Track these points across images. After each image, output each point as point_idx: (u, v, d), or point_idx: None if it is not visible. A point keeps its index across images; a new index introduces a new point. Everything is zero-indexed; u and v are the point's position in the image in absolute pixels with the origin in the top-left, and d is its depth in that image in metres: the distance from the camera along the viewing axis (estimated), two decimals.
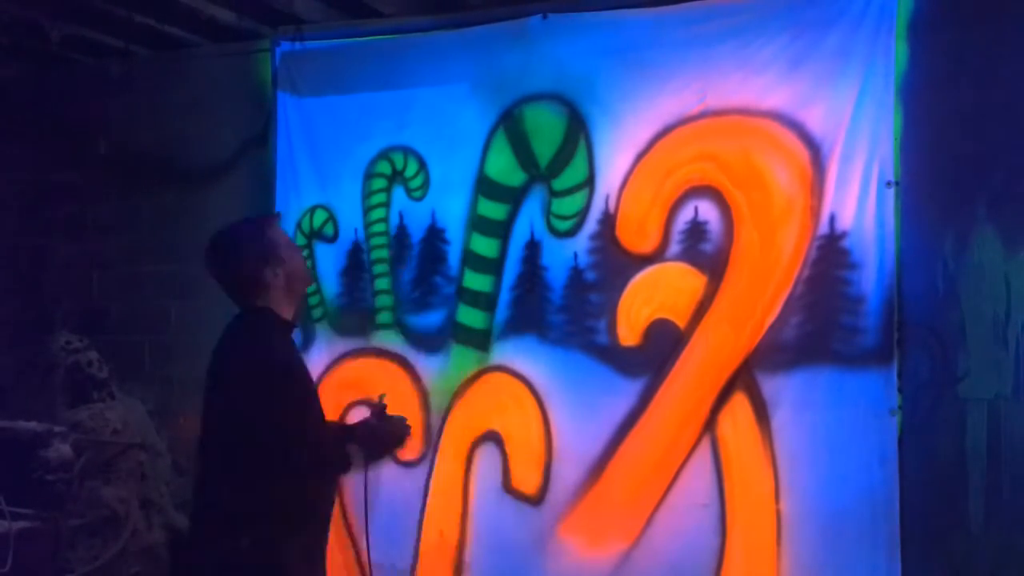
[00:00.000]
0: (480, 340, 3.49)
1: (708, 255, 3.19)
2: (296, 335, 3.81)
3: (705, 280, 3.19)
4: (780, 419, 3.09)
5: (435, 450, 3.54)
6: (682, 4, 3.24)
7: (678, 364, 3.20)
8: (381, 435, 2.83)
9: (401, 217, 3.65)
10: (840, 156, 3.04)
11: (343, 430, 2.89)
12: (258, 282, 2.46)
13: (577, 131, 3.37)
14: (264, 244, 2.51)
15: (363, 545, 3.67)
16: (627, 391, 3.25)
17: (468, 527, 3.48)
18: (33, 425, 3.73)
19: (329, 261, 3.76)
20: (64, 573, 3.68)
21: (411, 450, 3.61)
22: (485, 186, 3.51)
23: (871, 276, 3.00)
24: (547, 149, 3.42)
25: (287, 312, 2.63)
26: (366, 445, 2.86)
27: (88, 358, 4.08)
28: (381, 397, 3.05)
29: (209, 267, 2.62)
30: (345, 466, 2.63)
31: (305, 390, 2.53)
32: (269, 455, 2.37)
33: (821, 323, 3.04)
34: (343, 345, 3.74)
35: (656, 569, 3.22)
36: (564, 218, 3.39)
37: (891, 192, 3.00)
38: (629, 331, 3.28)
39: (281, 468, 2.39)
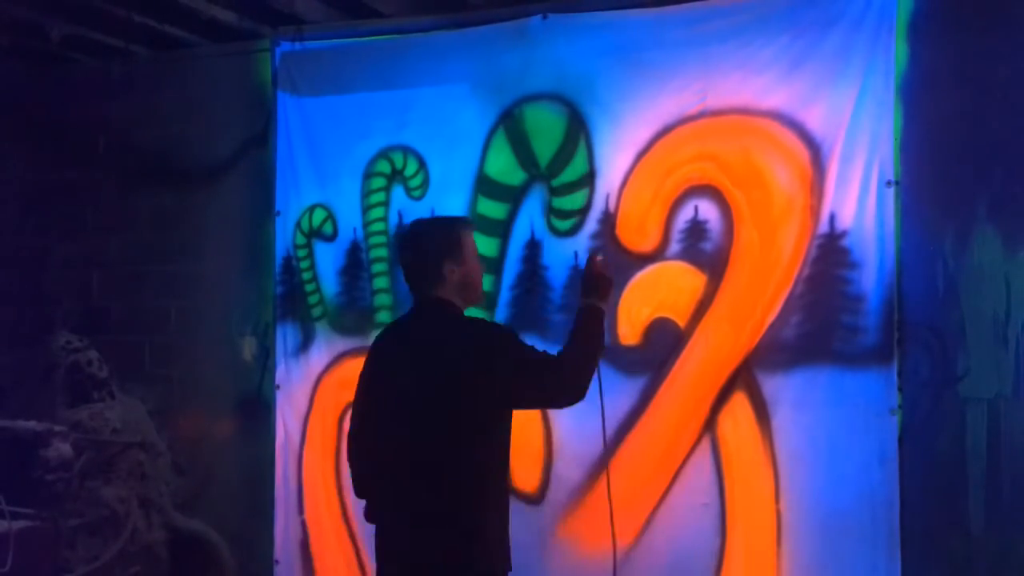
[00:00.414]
0: None
1: (708, 254, 3.19)
2: (295, 334, 3.82)
3: (705, 279, 3.19)
4: (780, 419, 3.09)
5: None
6: (682, 4, 3.25)
7: (678, 363, 3.20)
8: (604, 286, 2.63)
9: (400, 216, 3.66)
10: (840, 156, 3.04)
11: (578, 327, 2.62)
12: (436, 273, 2.46)
13: (577, 131, 3.38)
14: (451, 240, 2.52)
15: (363, 545, 3.69)
16: (627, 390, 3.25)
17: None
18: (33, 425, 3.72)
19: (328, 260, 3.76)
20: (64, 573, 3.68)
21: None
22: (485, 185, 3.51)
23: (871, 275, 3.00)
24: (547, 149, 3.42)
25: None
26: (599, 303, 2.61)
27: (88, 358, 4.08)
28: (595, 252, 2.80)
29: (400, 250, 2.65)
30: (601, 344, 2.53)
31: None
32: (539, 390, 2.40)
33: (821, 322, 3.05)
34: (342, 344, 3.74)
35: (656, 569, 3.22)
36: (564, 217, 3.39)
37: (891, 192, 3.00)
38: (629, 330, 3.28)
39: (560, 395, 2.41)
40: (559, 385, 2.39)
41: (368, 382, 2.55)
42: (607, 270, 2.62)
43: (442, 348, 2.39)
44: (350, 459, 2.59)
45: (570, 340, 2.46)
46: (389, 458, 2.40)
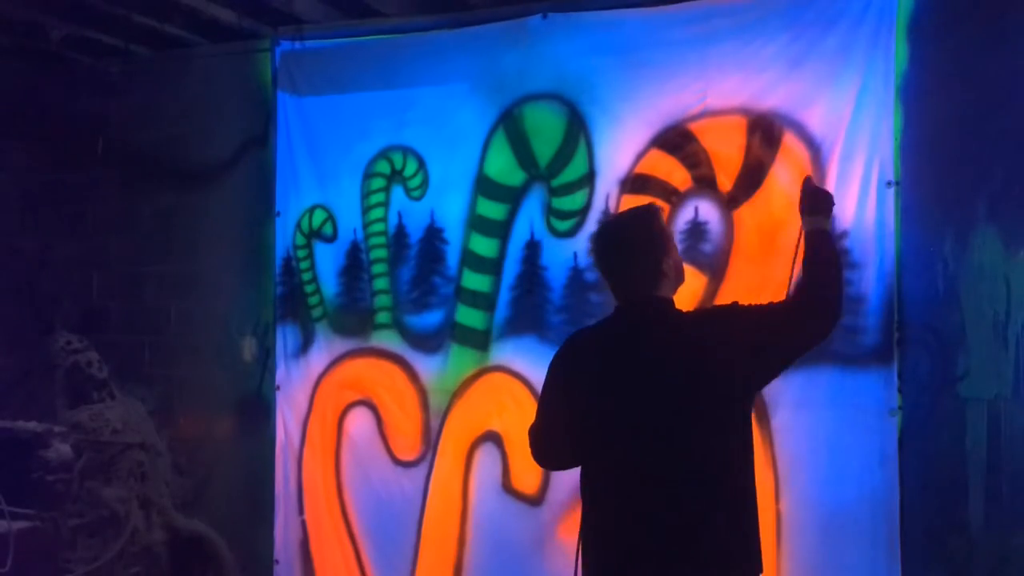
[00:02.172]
0: (479, 340, 3.49)
1: (708, 255, 3.19)
2: (295, 335, 3.82)
3: (705, 280, 3.18)
4: (780, 419, 3.09)
5: (435, 450, 3.55)
6: (682, 4, 3.24)
7: None
8: (826, 201, 2.59)
9: (400, 217, 3.65)
10: (840, 156, 3.04)
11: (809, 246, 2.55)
12: (656, 273, 2.37)
13: (577, 131, 3.37)
14: (660, 234, 2.44)
15: (362, 545, 3.69)
16: None
17: (468, 527, 3.48)
18: (33, 425, 3.73)
19: (328, 261, 3.76)
20: (64, 573, 3.68)
21: (410, 450, 3.61)
22: (484, 186, 3.51)
23: (871, 276, 3.00)
24: (547, 149, 3.42)
25: None
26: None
27: (88, 358, 4.08)
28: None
29: (605, 257, 2.47)
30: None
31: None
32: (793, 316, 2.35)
33: None
34: (342, 345, 3.74)
35: None
36: (564, 218, 3.38)
37: (891, 192, 2.99)
38: None
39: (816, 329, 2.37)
40: (814, 317, 2.35)
41: (593, 386, 2.38)
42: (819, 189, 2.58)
43: (699, 345, 2.30)
44: (564, 463, 2.50)
45: (808, 269, 2.41)
46: (655, 467, 2.29)
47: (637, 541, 2.31)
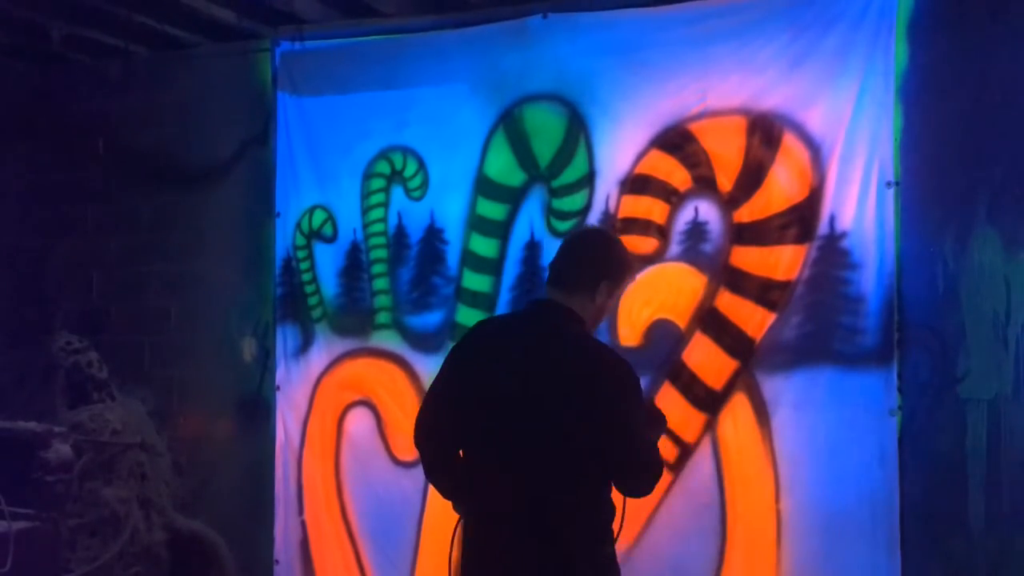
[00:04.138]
0: None
1: (708, 255, 3.19)
2: (295, 336, 3.82)
3: (705, 280, 3.19)
4: (780, 419, 3.09)
5: None
6: (682, 4, 3.25)
7: (678, 364, 3.20)
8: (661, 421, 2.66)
9: (400, 217, 3.65)
10: (840, 156, 3.04)
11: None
12: (591, 284, 2.37)
13: (577, 131, 3.37)
14: (622, 268, 2.46)
15: (362, 545, 3.69)
16: None
17: None
18: (33, 425, 3.72)
19: (328, 261, 3.76)
20: (64, 573, 3.67)
21: (410, 450, 3.61)
22: (484, 186, 3.51)
23: (871, 276, 3.00)
24: (547, 149, 3.42)
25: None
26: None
27: (88, 358, 4.07)
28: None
29: (571, 242, 2.52)
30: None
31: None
32: (635, 458, 2.34)
33: (821, 323, 3.05)
34: (342, 345, 3.74)
35: (656, 569, 3.22)
36: (564, 218, 3.38)
37: (891, 192, 3.00)
38: (630, 331, 3.28)
39: (647, 473, 2.37)
40: (645, 476, 2.37)
41: (474, 368, 2.41)
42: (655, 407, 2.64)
43: (583, 368, 2.29)
44: (428, 436, 2.46)
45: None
46: (504, 454, 2.30)
47: (486, 540, 2.34)
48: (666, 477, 3.20)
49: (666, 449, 3.18)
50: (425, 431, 2.48)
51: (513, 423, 2.29)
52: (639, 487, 2.40)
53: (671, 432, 3.18)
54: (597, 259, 2.43)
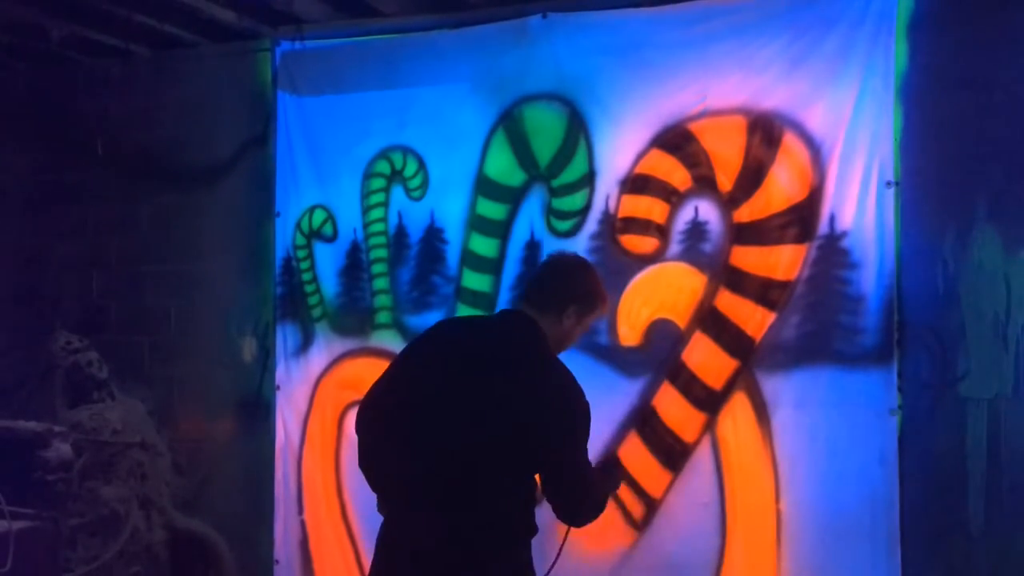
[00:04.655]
0: None
1: (708, 255, 3.19)
2: (295, 335, 3.82)
3: (705, 280, 3.19)
4: (780, 419, 3.09)
5: None
6: (682, 4, 3.24)
7: (678, 364, 3.20)
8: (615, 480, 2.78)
9: (400, 217, 3.66)
10: (840, 156, 3.04)
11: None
12: (558, 307, 2.41)
13: (577, 131, 3.37)
14: (593, 298, 2.49)
15: (362, 545, 3.69)
16: (627, 391, 3.25)
17: None
18: (33, 425, 3.72)
19: (328, 261, 3.76)
20: (64, 573, 3.68)
21: None
22: (484, 186, 3.51)
23: (871, 276, 3.00)
24: (547, 149, 3.42)
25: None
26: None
27: (88, 358, 4.08)
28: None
29: (550, 263, 2.56)
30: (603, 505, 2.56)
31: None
32: (565, 475, 2.35)
33: (821, 323, 3.05)
34: (342, 345, 3.75)
35: (656, 568, 3.22)
36: (564, 218, 3.38)
37: (891, 192, 3.00)
38: (630, 331, 3.28)
39: (580, 494, 2.41)
40: (579, 505, 2.41)
41: (420, 366, 2.40)
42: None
43: (530, 383, 2.30)
44: (366, 426, 2.42)
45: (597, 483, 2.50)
46: (428, 453, 2.28)
47: (394, 529, 2.35)
48: (666, 477, 3.21)
49: (665, 449, 3.20)
50: (364, 422, 2.45)
51: (441, 424, 2.28)
52: (570, 515, 2.41)
53: (671, 432, 3.18)
54: (571, 283, 2.46)
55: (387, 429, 2.37)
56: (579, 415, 2.34)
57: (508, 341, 2.38)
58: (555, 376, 2.35)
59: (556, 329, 2.42)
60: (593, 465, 2.51)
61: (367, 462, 2.43)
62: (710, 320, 3.16)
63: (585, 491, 2.41)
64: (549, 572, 2.57)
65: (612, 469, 2.79)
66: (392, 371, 2.45)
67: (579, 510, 2.42)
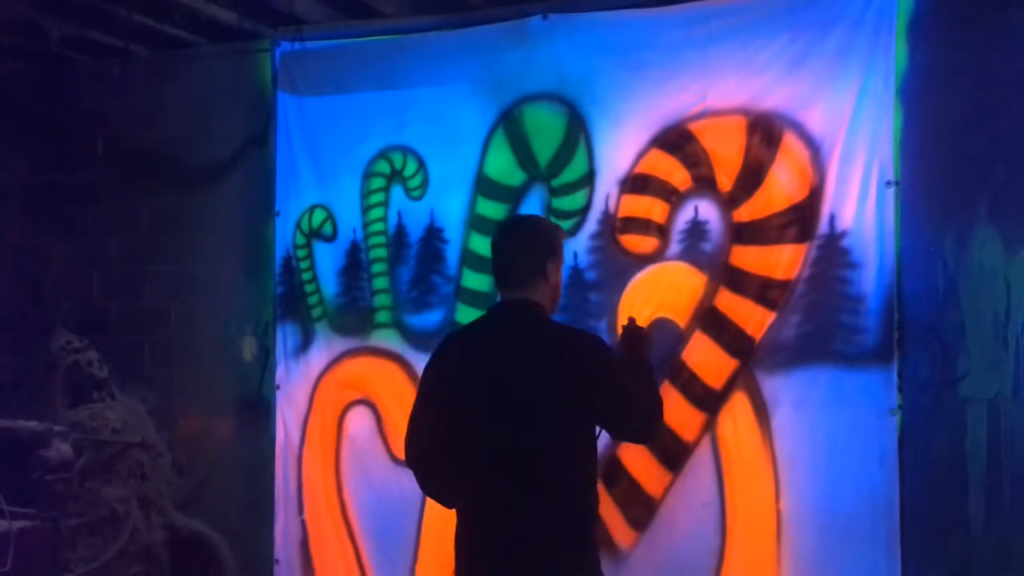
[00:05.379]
0: None
1: (708, 255, 3.19)
2: (295, 335, 3.82)
3: (705, 280, 3.19)
4: (780, 419, 3.09)
5: None
6: (682, 4, 3.24)
7: (678, 363, 3.20)
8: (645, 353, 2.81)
9: (400, 216, 3.66)
10: (840, 156, 3.04)
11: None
12: (539, 271, 2.46)
13: (577, 131, 3.37)
14: (555, 240, 2.56)
15: (362, 545, 3.69)
16: None
17: None
18: (33, 425, 3.72)
19: (328, 260, 3.76)
20: (64, 573, 3.68)
21: None
22: (484, 186, 3.51)
23: (871, 276, 3.00)
24: (547, 149, 3.42)
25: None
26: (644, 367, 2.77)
27: (88, 358, 4.08)
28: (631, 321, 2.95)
29: (501, 245, 2.55)
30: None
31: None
32: (632, 424, 2.48)
33: (821, 323, 3.04)
34: (341, 344, 3.74)
35: (656, 569, 3.22)
36: (564, 218, 3.38)
37: (891, 192, 3.00)
38: None
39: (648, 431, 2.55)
40: (648, 421, 2.53)
41: (454, 386, 2.46)
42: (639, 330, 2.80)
43: (557, 357, 2.36)
44: (425, 458, 2.50)
45: (649, 388, 2.59)
46: (495, 461, 2.36)
47: (481, 556, 2.39)
48: (666, 477, 3.20)
49: (666, 448, 3.20)
50: (416, 456, 2.53)
51: (504, 426, 2.34)
52: (642, 432, 2.57)
53: (671, 431, 3.18)
54: (534, 246, 2.50)
55: (449, 454, 2.45)
56: (604, 352, 2.48)
57: (514, 330, 2.44)
58: (568, 338, 2.46)
59: (546, 290, 2.48)
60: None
61: (431, 489, 2.58)
62: (710, 320, 3.16)
63: (646, 405, 2.51)
64: None
65: (642, 368, 2.75)
66: (427, 404, 2.51)
67: (652, 423, 2.55)
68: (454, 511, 2.53)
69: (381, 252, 3.67)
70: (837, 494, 3.02)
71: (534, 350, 2.39)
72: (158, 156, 4.20)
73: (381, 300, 3.67)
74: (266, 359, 3.93)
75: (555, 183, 3.40)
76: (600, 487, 2.61)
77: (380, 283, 3.67)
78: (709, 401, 3.16)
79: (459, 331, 2.69)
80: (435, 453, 2.49)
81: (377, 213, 3.68)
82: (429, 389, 2.52)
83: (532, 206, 3.43)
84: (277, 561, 3.85)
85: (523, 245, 2.51)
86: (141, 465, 4.00)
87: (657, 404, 2.58)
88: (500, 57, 3.49)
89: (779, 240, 3.09)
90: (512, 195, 3.47)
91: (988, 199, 2.94)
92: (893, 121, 3.00)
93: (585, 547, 2.39)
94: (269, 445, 3.87)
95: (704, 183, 3.20)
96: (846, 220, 3.03)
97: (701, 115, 3.20)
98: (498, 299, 2.56)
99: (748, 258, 3.13)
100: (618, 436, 2.55)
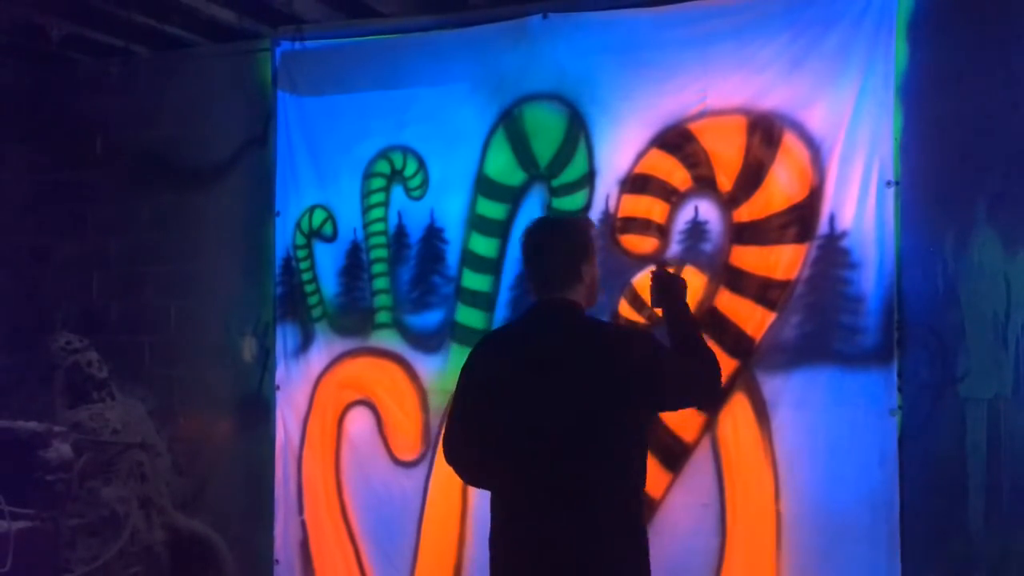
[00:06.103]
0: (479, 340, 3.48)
1: (708, 254, 3.19)
2: (295, 335, 3.82)
3: (705, 280, 3.19)
4: (780, 419, 3.09)
5: (434, 450, 3.54)
6: (682, 4, 3.24)
7: None
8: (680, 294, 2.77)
9: (400, 216, 3.66)
10: (840, 156, 3.04)
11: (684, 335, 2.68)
12: (575, 273, 2.45)
13: (577, 130, 3.37)
14: (588, 239, 2.54)
15: (362, 545, 3.69)
16: None
17: (468, 526, 3.48)
18: (33, 425, 3.72)
19: (328, 261, 3.76)
20: (64, 573, 3.68)
21: (410, 450, 3.61)
22: (484, 186, 3.51)
23: (871, 276, 3.00)
24: (547, 149, 3.42)
25: None
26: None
27: (88, 358, 4.08)
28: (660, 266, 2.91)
29: (533, 249, 2.52)
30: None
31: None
32: (688, 385, 2.47)
33: (821, 323, 3.04)
34: (342, 345, 3.74)
35: (656, 569, 3.20)
36: None
37: (891, 192, 3.00)
38: None
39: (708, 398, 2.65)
40: (710, 390, 2.54)
41: (500, 386, 2.43)
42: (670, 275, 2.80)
43: (602, 355, 2.35)
44: (471, 465, 2.52)
45: (695, 347, 2.56)
46: (545, 464, 2.33)
47: (521, 557, 2.37)
48: (666, 477, 3.20)
49: (666, 448, 3.19)
50: (463, 461, 2.54)
51: (553, 429, 2.32)
52: (706, 400, 2.73)
53: (671, 432, 3.18)
54: (570, 248, 2.49)
55: (494, 457, 2.44)
56: (647, 341, 2.47)
57: (557, 330, 2.43)
58: (607, 333, 2.49)
59: (582, 289, 2.48)
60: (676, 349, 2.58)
61: (479, 485, 2.63)
62: (710, 320, 3.16)
63: (701, 376, 2.50)
64: None
65: (685, 323, 2.70)
66: (472, 408, 2.49)
67: (713, 388, 2.55)
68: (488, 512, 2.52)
69: (381, 252, 3.67)
70: (837, 494, 3.02)
71: (579, 350, 2.37)
72: (158, 156, 4.20)
73: (381, 300, 3.67)
74: (266, 359, 3.93)
75: (555, 183, 3.40)
76: None
77: (380, 283, 3.67)
78: None
79: (499, 332, 2.69)
80: (478, 453, 2.48)
81: (377, 213, 3.68)
82: (473, 389, 2.49)
83: (532, 206, 3.43)
84: (277, 561, 3.85)
85: (559, 250, 2.48)
86: (141, 465, 4.00)
87: (711, 366, 2.51)
88: (500, 57, 3.49)
89: (779, 240, 3.09)
90: (512, 195, 3.47)
91: (988, 199, 2.93)
92: (893, 121, 3.00)
93: (629, 557, 2.37)
94: (269, 445, 3.87)
95: (704, 183, 3.20)
96: (846, 220, 3.03)
97: (701, 115, 3.21)
98: (534, 301, 2.52)
99: (748, 258, 3.13)
100: (680, 408, 2.63)
